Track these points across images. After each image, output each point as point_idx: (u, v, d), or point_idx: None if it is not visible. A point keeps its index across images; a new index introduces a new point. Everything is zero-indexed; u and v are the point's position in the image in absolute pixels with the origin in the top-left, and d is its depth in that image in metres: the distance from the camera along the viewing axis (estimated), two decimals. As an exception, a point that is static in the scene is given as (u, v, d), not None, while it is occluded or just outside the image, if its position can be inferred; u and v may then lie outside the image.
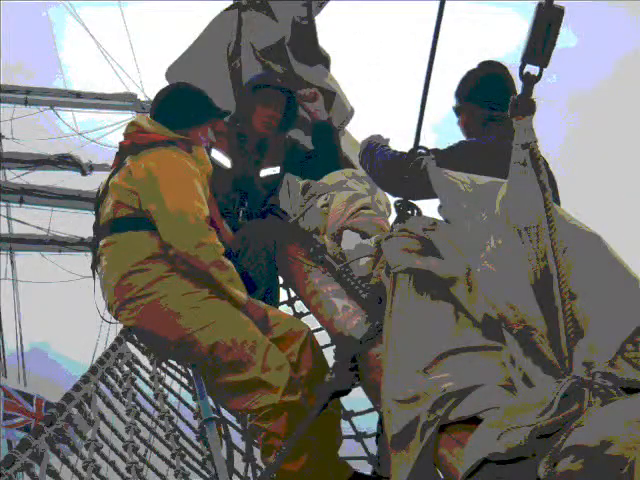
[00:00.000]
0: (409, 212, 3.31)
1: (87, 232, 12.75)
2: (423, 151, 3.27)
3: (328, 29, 5.92)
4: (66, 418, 3.31)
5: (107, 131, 15.10)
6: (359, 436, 4.58)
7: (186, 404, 4.09)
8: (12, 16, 20.58)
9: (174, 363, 4.19)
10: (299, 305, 4.93)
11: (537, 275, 2.33)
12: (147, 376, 4.05)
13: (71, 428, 3.36)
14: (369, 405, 4.19)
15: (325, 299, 3.80)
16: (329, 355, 3.98)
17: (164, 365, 4.15)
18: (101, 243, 3.99)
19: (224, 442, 4.27)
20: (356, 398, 3.63)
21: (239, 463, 4.43)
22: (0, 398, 10.72)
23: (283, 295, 4.92)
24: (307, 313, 4.51)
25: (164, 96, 4.27)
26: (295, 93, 4.97)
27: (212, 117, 4.29)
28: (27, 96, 14.89)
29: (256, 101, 4.89)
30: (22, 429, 10.81)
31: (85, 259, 12.26)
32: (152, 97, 4.45)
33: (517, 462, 1.96)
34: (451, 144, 3.60)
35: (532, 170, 2.34)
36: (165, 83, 5.01)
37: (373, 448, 4.40)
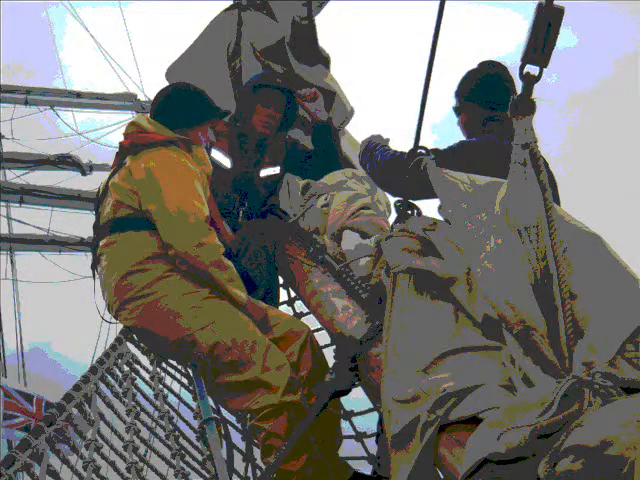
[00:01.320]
0: (409, 212, 3.31)
1: (87, 232, 12.75)
2: (423, 151, 3.26)
3: (328, 29, 5.92)
4: (66, 418, 3.31)
5: (107, 131, 15.10)
6: (359, 436, 4.58)
7: (186, 404, 4.09)
8: (12, 16, 20.54)
9: (174, 363, 4.19)
10: (299, 305, 4.94)
11: (537, 275, 2.33)
12: (147, 376, 4.05)
13: (71, 428, 3.35)
14: (369, 405, 4.20)
15: (325, 299, 3.80)
16: (329, 355, 3.98)
17: (164, 365, 4.15)
18: (101, 243, 3.99)
19: (224, 442, 4.27)
20: (356, 398, 3.63)
21: (239, 463, 4.44)
22: (0, 398, 10.70)
23: (283, 295, 4.93)
24: (307, 313, 4.51)
25: (164, 96, 4.27)
26: (295, 93, 4.97)
27: (212, 117, 4.29)
28: (27, 96, 14.87)
29: (256, 101, 4.89)
30: (22, 429, 10.79)
31: (85, 259, 12.26)
32: (152, 97, 4.45)
33: (517, 462, 1.96)
34: (451, 144, 3.60)
35: (532, 170, 2.34)
36: (165, 83, 5.02)
37: (373, 448, 4.41)
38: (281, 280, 4.69)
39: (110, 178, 4.09)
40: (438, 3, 2.67)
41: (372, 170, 3.81)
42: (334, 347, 3.84)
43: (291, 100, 4.95)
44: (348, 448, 4.28)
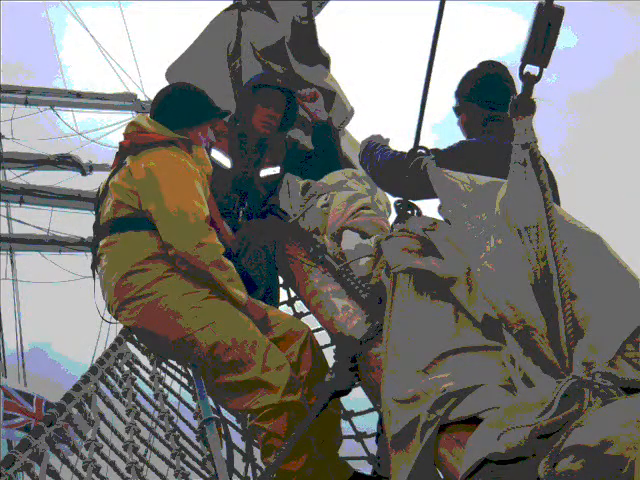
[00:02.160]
0: (409, 212, 3.31)
1: (87, 232, 12.75)
2: (423, 151, 3.26)
3: (328, 29, 5.92)
4: (66, 418, 3.31)
5: (107, 131, 15.10)
6: (359, 436, 4.58)
7: (186, 404, 4.09)
8: (12, 16, 20.52)
9: (174, 363, 4.19)
10: (299, 305, 4.94)
11: (537, 275, 2.33)
12: (147, 376, 4.05)
13: (71, 428, 3.36)
14: (369, 405, 4.20)
15: (325, 299, 3.80)
16: (329, 355, 3.98)
17: (164, 365, 4.15)
18: (101, 243, 3.99)
19: (224, 442, 4.27)
20: (356, 398, 3.63)
21: (239, 463, 4.44)
22: (0, 398, 10.70)
23: (283, 295, 4.93)
24: (307, 313, 4.51)
25: (164, 96, 4.27)
26: (295, 93, 4.97)
27: (212, 117, 4.29)
28: (27, 96, 14.87)
29: (256, 101, 4.89)
30: (22, 429, 10.79)
31: (85, 259, 12.26)
32: (152, 97, 4.45)
33: (517, 462, 1.96)
34: (451, 144, 3.60)
35: (532, 170, 2.34)
36: (165, 83, 5.01)
37: (373, 448, 4.41)
38: (281, 280, 4.69)
39: (110, 178, 4.09)
40: (438, 3, 2.67)
41: (372, 170, 3.81)
42: (334, 347, 3.84)
43: (291, 100, 4.95)
44: (348, 448, 4.28)
